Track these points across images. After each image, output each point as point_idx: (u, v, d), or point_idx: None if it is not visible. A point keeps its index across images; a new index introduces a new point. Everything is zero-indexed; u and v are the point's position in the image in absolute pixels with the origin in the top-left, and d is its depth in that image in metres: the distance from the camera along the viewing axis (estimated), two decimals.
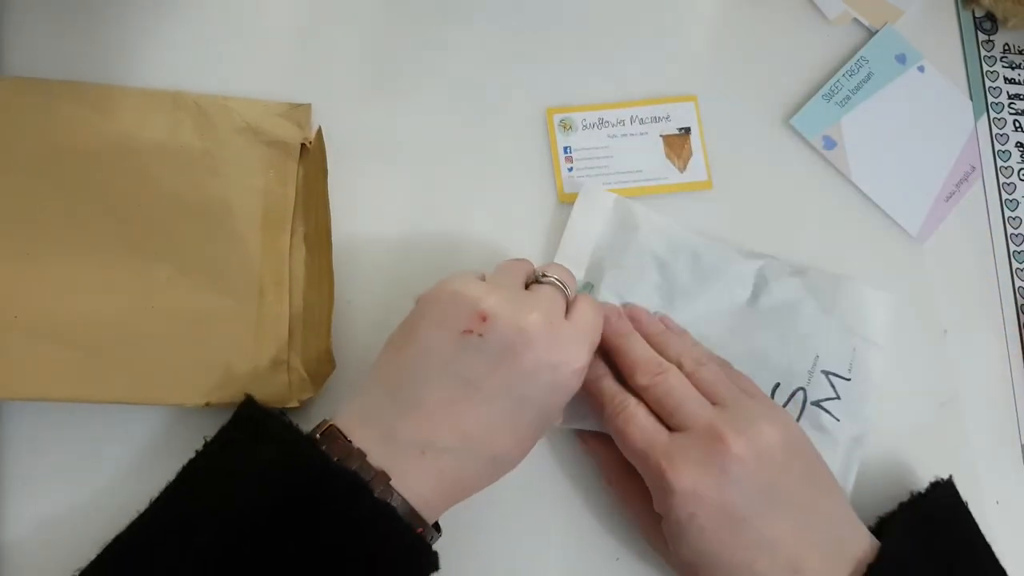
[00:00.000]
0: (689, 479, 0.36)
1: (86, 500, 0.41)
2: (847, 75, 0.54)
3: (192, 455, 0.36)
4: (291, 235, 0.45)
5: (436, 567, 0.35)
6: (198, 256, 0.43)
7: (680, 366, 0.41)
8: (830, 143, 0.53)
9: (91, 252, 0.42)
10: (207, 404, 0.41)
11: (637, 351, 0.41)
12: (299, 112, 0.47)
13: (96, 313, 0.41)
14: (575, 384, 0.38)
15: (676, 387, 0.39)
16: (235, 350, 0.42)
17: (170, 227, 0.43)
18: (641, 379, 0.40)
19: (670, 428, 0.39)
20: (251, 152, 0.45)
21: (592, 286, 0.46)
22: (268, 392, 0.42)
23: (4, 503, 0.41)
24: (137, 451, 0.39)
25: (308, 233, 0.45)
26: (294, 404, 0.42)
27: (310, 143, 0.46)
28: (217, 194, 0.44)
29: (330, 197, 0.45)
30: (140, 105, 0.45)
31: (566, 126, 0.51)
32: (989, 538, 0.41)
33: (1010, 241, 0.53)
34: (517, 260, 0.42)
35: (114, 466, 0.41)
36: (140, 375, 0.41)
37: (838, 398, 0.45)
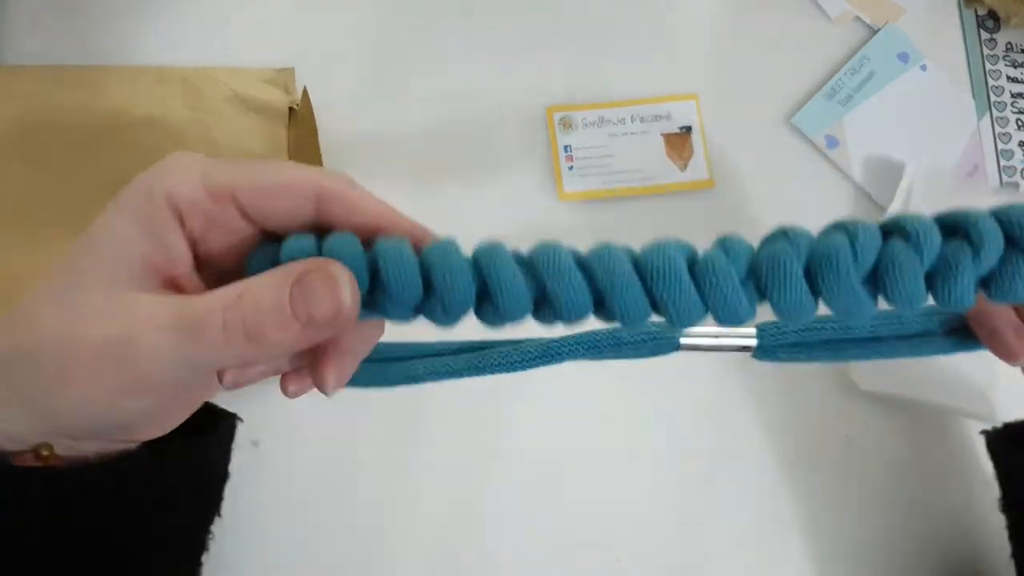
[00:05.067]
0: None
1: None
2: (849, 74, 0.53)
3: None
4: None
5: None
6: None
7: None
8: (832, 142, 0.52)
9: None
10: None
11: None
12: (284, 76, 0.47)
13: None
14: None
15: None
16: None
17: None
18: None
19: None
20: (241, 120, 0.46)
21: None
22: None
23: None
24: None
25: None
26: None
27: (297, 106, 0.46)
28: None
29: None
30: (126, 82, 0.45)
31: (566, 125, 0.50)
32: None
33: None
34: None
35: None
36: None
37: None
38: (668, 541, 0.44)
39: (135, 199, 0.25)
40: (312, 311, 0.23)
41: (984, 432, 0.42)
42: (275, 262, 0.24)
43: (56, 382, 0.24)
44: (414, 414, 0.44)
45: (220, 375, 0.26)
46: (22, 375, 0.25)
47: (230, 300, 0.23)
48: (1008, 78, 0.56)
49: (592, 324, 0.27)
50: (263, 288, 0.24)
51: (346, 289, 0.23)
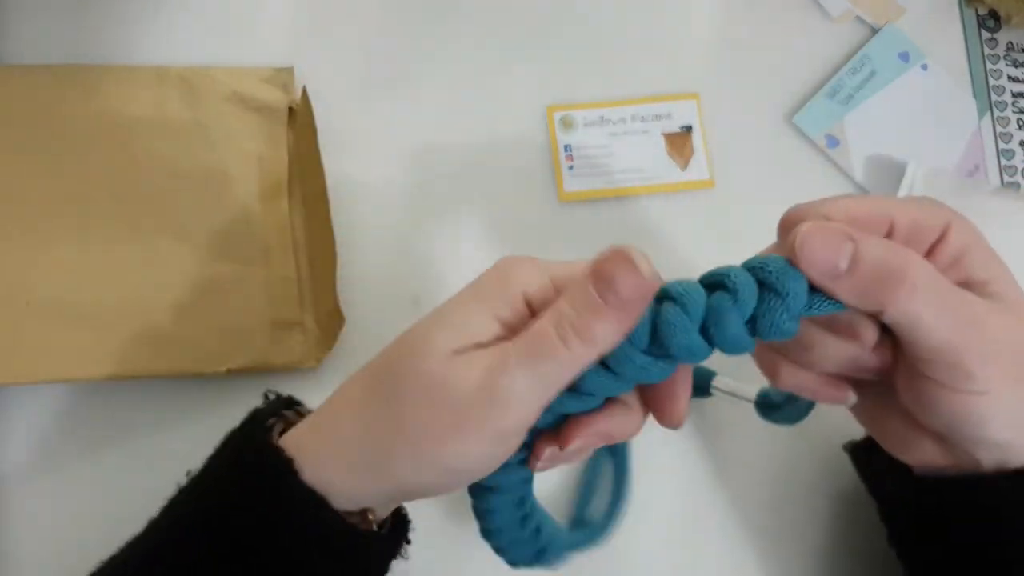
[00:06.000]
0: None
1: (114, 479, 0.41)
2: (850, 73, 0.53)
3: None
4: (289, 198, 0.45)
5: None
6: (200, 226, 0.43)
7: None
8: (833, 141, 0.52)
9: (92, 232, 0.42)
10: (228, 371, 0.41)
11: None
12: (283, 75, 0.47)
13: (105, 292, 0.42)
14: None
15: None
16: (249, 315, 0.43)
17: (168, 199, 0.44)
18: None
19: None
20: (241, 119, 0.45)
21: None
22: (286, 354, 0.42)
23: (28, 484, 0.41)
24: (159, 429, 0.39)
25: (306, 195, 0.45)
26: (312, 364, 0.42)
27: (297, 105, 0.46)
28: (212, 163, 0.44)
29: (329, 195, 0.44)
30: (124, 82, 0.45)
31: (567, 124, 0.50)
32: None
33: None
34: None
35: (140, 444, 0.42)
36: (158, 348, 0.41)
37: None
38: (668, 542, 0.44)
39: (495, 293, 0.28)
40: (617, 289, 0.25)
41: (846, 446, 0.41)
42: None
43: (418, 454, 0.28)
44: None
45: (537, 452, 0.29)
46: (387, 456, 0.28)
47: (549, 314, 0.27)
48: (1009, 78, 0.56)
49: None
50: (570, 294, 0.27)
51: (640, 260, 0.26)
